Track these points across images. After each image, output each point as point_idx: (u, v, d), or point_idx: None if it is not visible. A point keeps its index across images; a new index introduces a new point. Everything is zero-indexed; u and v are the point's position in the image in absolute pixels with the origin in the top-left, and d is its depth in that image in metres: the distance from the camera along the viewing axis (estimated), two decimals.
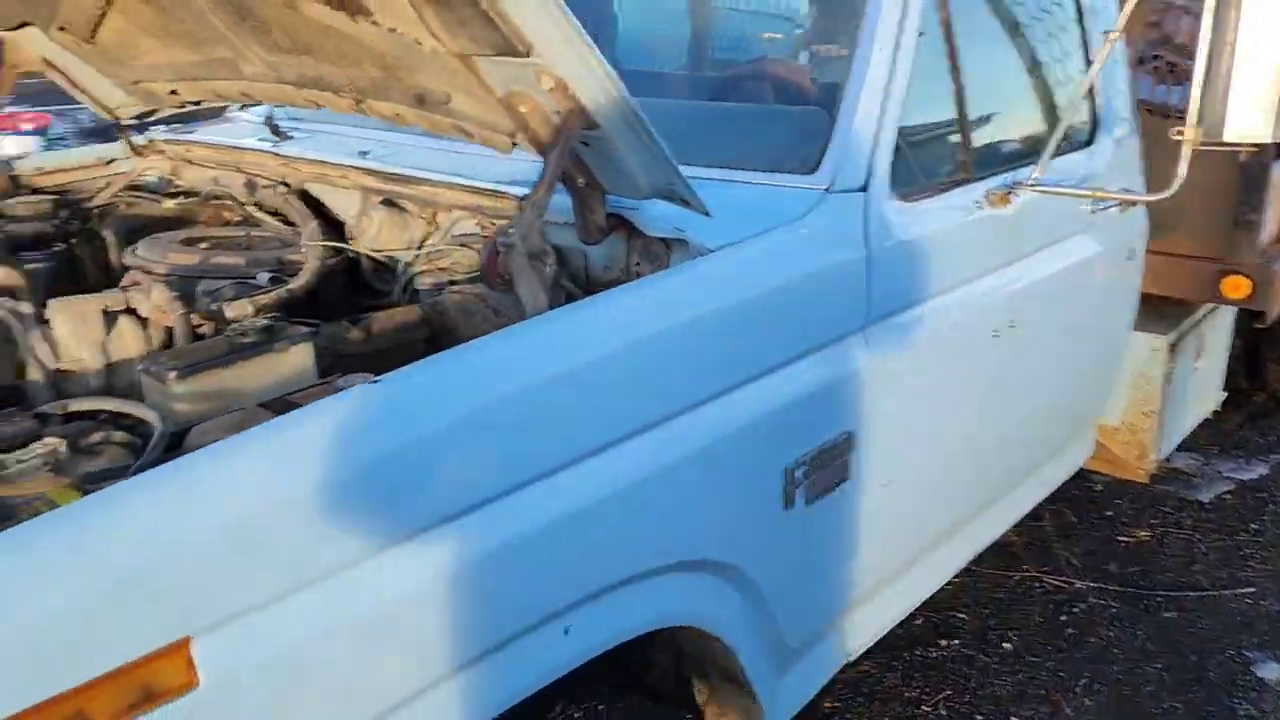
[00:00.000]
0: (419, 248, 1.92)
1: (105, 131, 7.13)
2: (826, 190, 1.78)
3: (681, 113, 2.31)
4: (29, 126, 6.16)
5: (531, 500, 1.26)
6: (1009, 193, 2.10)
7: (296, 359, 1.41)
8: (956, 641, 2.85)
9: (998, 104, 2.25)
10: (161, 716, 0.96)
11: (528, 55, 1.33)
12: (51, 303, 1.58)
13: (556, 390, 1.28)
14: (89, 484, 1.11)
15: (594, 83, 1.36)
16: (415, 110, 1.74)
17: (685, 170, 1.70)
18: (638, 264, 1.69)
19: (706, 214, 1.53)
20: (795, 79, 2.27)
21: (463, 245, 1.85)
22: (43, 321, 1.57)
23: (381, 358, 1.59)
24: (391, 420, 1.14)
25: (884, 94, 1.86)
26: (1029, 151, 2.25)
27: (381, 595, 1.11)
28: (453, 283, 1.85)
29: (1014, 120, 2.33)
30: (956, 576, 2.54)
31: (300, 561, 1.06)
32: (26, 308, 1.59)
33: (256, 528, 1.03)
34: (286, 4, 1.61)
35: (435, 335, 1.69)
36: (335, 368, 1.52)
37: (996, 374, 2.19)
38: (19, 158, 2.56)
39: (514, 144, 1.63)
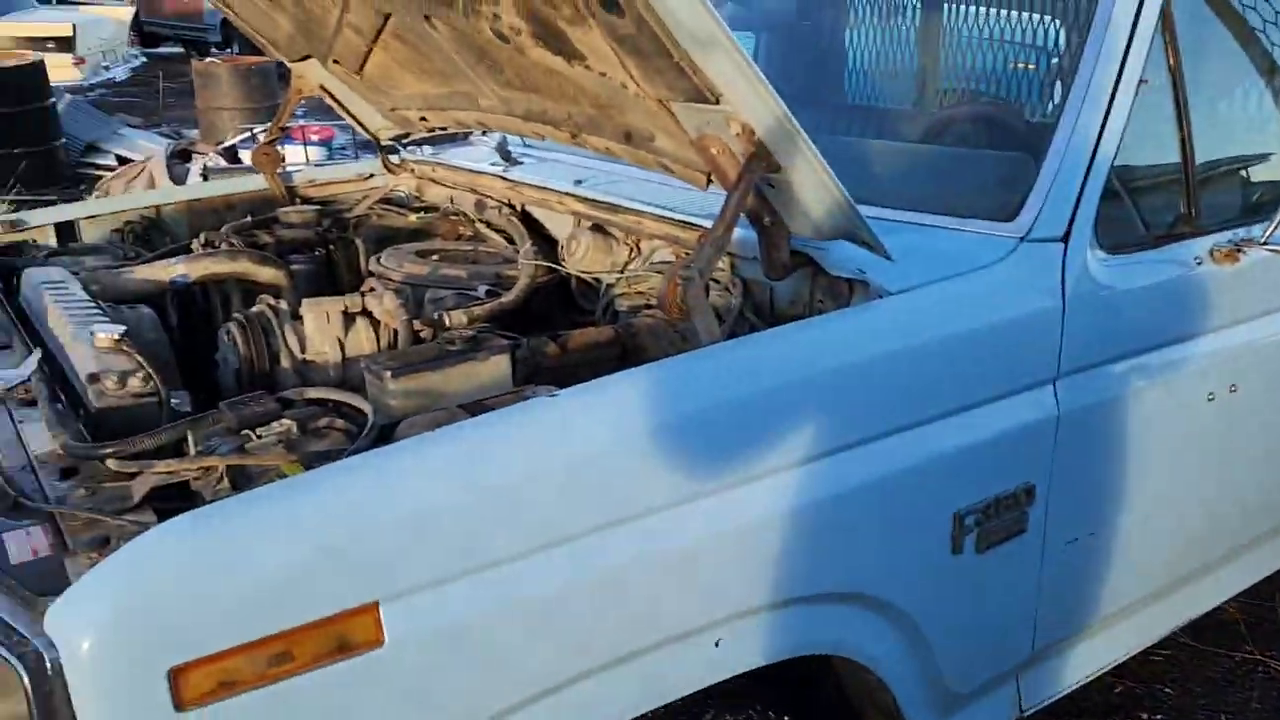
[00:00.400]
0: (621, 271, 2.06)
1: (371, 144, 7.75)
2: (1023, 239, 1.77)
3: (888, 153, 2.33)
4: (316, 137, 6.89)
5: (695, 515, 1.35)
6: (1237, 250, 1.99)
7: (495, 368, 1.57)
8: (1159, 716, 2.68)
9: (1228, 154, 2.13)
10: (351, 666, 1.13)
11: (717, 102, 1.43)
12: (305, 302, 1.83)
13: (734, 413, 1.36)
14: (313, 462, 1.30)
15: (777, 129, 1.44)
16: (623, 146, 1.88)
17: (880, 212, 1.74)
18: (820, 301, 1.74)
19: (888, 258, 1.57)
20: (1007, 120, 2.24)
21: (659, 272, 1.97)
22: (296, 318, 1.82)
23: (574, 372, 1.73)
24: (566, 431, 1.27)
25: (1094, 142, 1.82)
26: (1262, 206, 2.11)
27: (545, 585, 1.24)
28: (648, 306, 1.98)
29: (1246, 173, 2.19)
30: (1166, 649, 2.40)
31: (473, 548, 1.20)
32: (285, 304, 1.85)
33: (441, 514, 1.18)
34: (516, 49, 1.79)
35: (626, 355, 1.82)
36: (534, 378, 1.67)
37: (1209, 438, 2.07)
38: (298, 169, 2.94)
39: (710, 182, 1.73)
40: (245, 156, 6.75)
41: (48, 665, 1.03)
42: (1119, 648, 2.16)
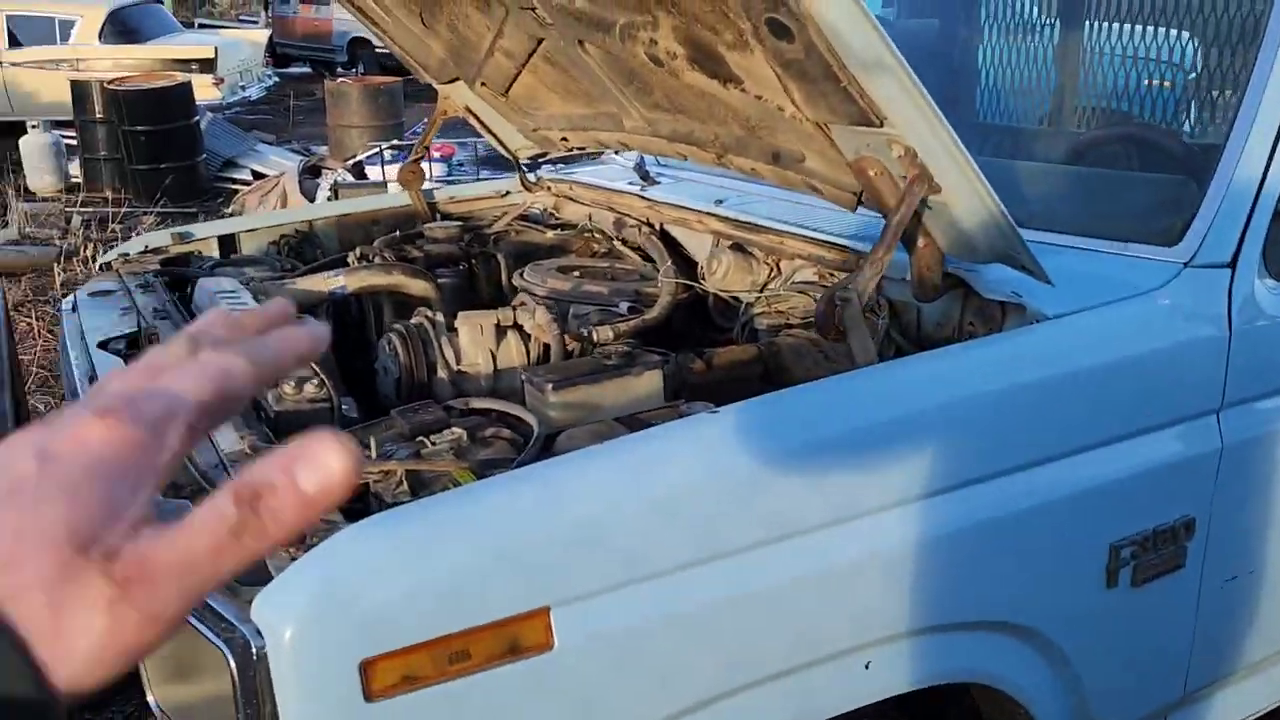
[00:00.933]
0: (760, 291, 2.08)
1: (494, 161, 8.00)
2: (1186, 264, 1.72)
3: (1036, 174, 2.30)
4: (437, 154, 7.11)
5: (850, 535, 1.36)
6: None
7: (648, 383, 1.61)
8: None
9: None
10: (523, 668, 1.17)
11: (881, 126, 1.44)
12: (460, 315, 1.90)
13: (889, 435, 1.37)
14: (483, 469, 1.35)
15: (941, 151, 1.44)
16: (770, 166, 1.91)
17: (1035, 235, 1.72)
18: (970, 324, 1.73)
19: (1049, 283, 1.56)
20: (1164, 142, 2.19)
21: (801, 292, 1.98)
22: (451, 330, 1.90)
23: (719, 389, 1.76)
24: (726, 448, 1.30)
25: (1265, 164, 1.76)
26: None
27: (706, 598, 1.26)
28: (788, 325, 1.99)
29: None
30: None
31: (639, 557, 1.23)
32: (440, 317, 1.92)
33: (608, 523, 1.22)
34: (670, 72, 1.83)
35: (769, 373, 1.84)
36: (680, 394, 1.70)
37: None
38: (437, 186, 3.05)
39: (859, 202, 1.74)
40: (372, 172, 7.02)
41: (253, 651, 1.10)
42: (1276, 693, 2.07)
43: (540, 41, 2.20)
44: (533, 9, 2.02)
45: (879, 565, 1.39)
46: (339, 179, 6.78)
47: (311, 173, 7.35)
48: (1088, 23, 2.75)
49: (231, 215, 7.00)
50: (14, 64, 10.65)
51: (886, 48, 1.33)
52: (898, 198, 1.51)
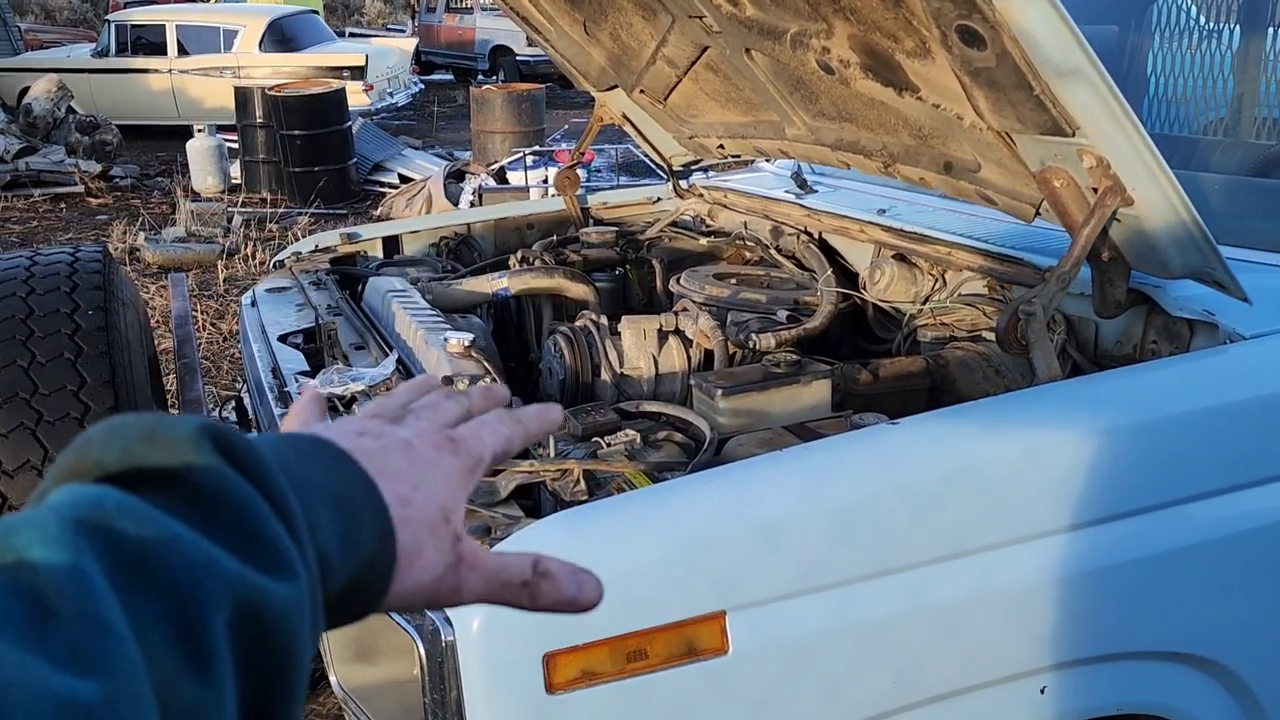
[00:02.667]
0: (924, 302, 2.04)
1: (632, 168, 8.08)
2: None
3: (1222, 186, 2.19)
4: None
5: (1029, 556, 1.32)
6: None
7: (817, 392, 1.60)
8: None
9: None
10: (698, 670, 1.18)
11: (1072, 135, 1.40)
12: (624, 319, 1.93)
13: (1074, 454, 1.33)
14: (655, 472, 1.37)
15: (1136, 162, 1.38)
16: (941, 176, 1.87)
17: (1225, 251, 1.64)
18: (1154, 342, 1.66)
19: (1246, 300, 1.48)
20: None
21: (968, 304, 1.93)
22: (614, 333, 1.93)
23: (883, 400, 1.74)
24: (908, 461, 1.28)
25: None
26: None
27: (881, 612, 1.25)
28: (954, 339, 1.95)
29: None
30: None
31: (816, 567, 1.23)
32: (604, 320, 1.96)
33: (787, 531, 1.22)
34: (841, 80, 1.82)
35: (935, 386, 1.80)
36: (844, 404, 1.69)
37: None
38: (592, 191, 3.10)
39: (1037, 214, 1.69)
40: (514, 177, 7.19)
41: (442, 639, 1.14)
42: None
43: (705, 49, 2.22)
44: (701, 17, 2.04)
45: (1058, 588, 1.35)
46: (482, 184, 6.97)
47: (456, 177, 7.58)
48: (1271, 29, 2.60)
49: (380, 218, 7.28)
50: (182, 71, 11.35)
51: (1085, 54, 1.29)
52: (1085, 210, 1.46)
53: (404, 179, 8.45)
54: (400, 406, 0.58)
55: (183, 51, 11.39)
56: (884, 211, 2.21)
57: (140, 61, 11.40)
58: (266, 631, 0.37)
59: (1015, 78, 1.34)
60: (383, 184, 8.61)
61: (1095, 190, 1.45)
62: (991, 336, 1.87)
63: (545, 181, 6.89)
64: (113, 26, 11.58)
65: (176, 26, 11.39)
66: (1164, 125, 2.74)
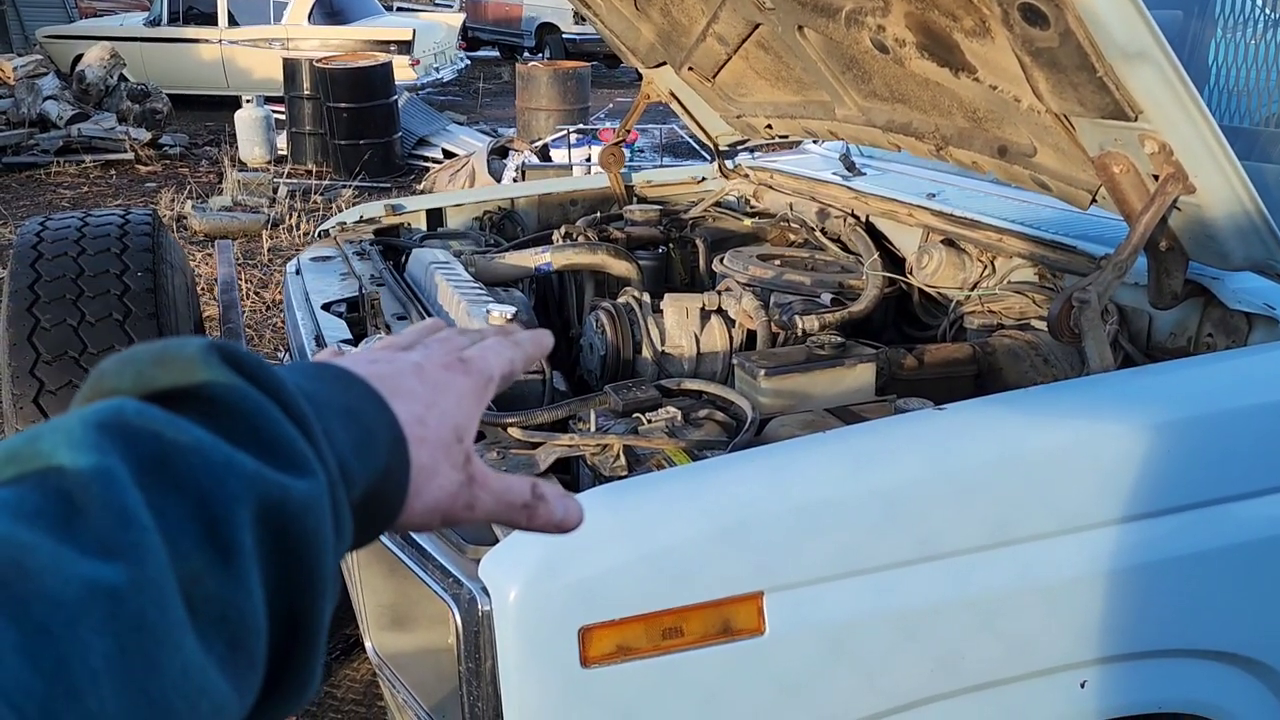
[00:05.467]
0: (972, 288, 2.01)
1: (675, 148, 8.04)
2: None
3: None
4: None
5: (1073, 548, 1.30)
6: None
7: (860, 375, 1.58)
8: None
9: None
10: (733, 650, 1.17)
11: (1135, 120, 1.36)
12: (667, 297, 1.92)
13: (1118, 448, 1.30)
14: (695, 450, 1.36)
15: (1201, 149, 1.35)
16: (994, 160, 1.83)
17: None
18: (1209, 335, 1.62)
19: None
20: None
21: (1018, 292, 1.90)
22: (657, 311, 1.92)
23: (928, 386, 1.71)
24: (954, 447, 1.26)
25: None
26: None
27: (921, 599, 1.23)
28: (1001, 326, 1.91)
29: None
30: None
31: (856, 551, 1.21)
32: (646, 297, 1.95)
33: (828, 513, 1.20)
34: (895, 60, 1.78)
35: (981, 374, 1.77)
36: (888, 388, 1.66)
37: None
38: (636, 169, 3.09)
39: (1093, 201, 1.65)
40: (557, 155, 7.18)
41: (479, 609, 1.14)
42: None
43: (756, 26, 2.19)
44: None
45: (1102, 581, 1.32)
46: (525, 161, 6.98)
47: (499, 154, 7.58)
48: None
49: (423, 192, 7.31)
50: (232, 42, 11.44)
51: (1152, 36, 1.25)
52: (1145, 197, 1.42)
53: (448, 154, 8.47)
54: (410, 342, 0.59)
55: (233, 22, 11.48)
56: (934, 196, 2.18)
57: (191, 31, 11.51)
58: (288, 526, 0.38)
59: (1078, 59, 1.31)
60: (426, 159, 8.64)
61: (1156, 177, 1.42)
62: (1041, 325, 1.83)
63: (588, 160, 6.87)
64: None
65: None
66: (1225, 116, 2.67)
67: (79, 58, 10.11)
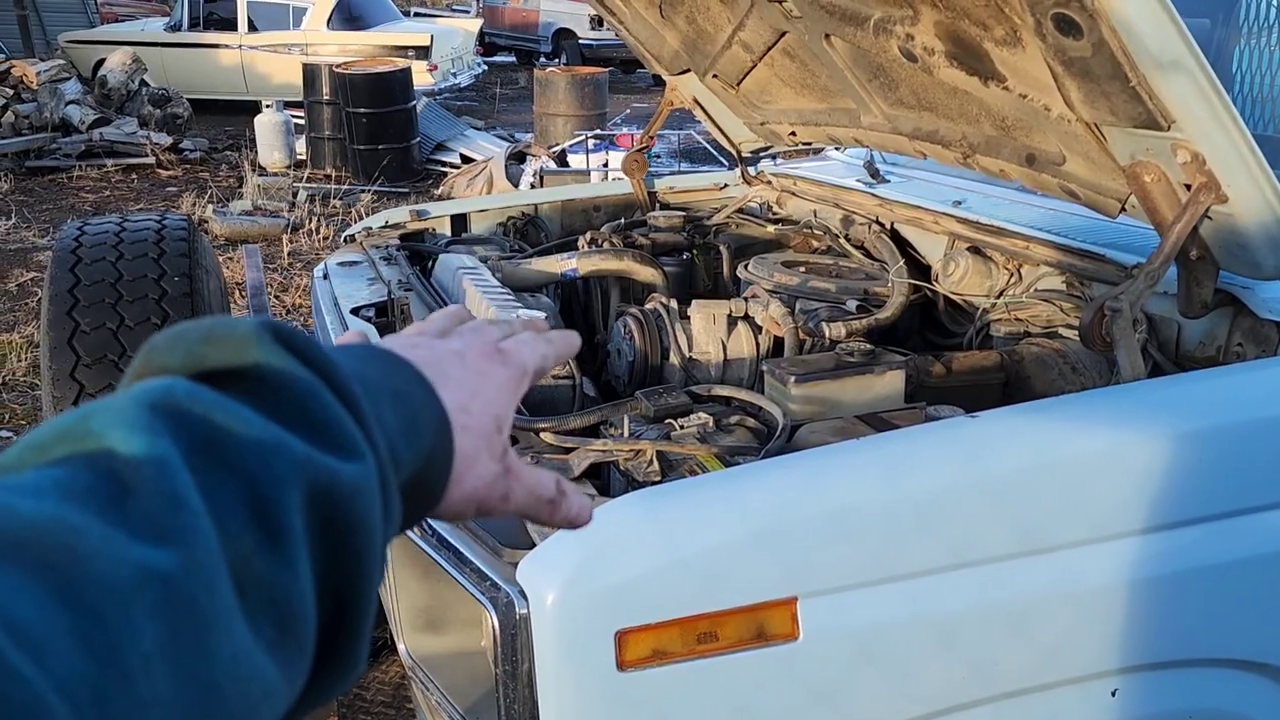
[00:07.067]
0: (998, 296, 2.01)
1: (692, 154, 8.05)
2: None
3: None
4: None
5: (1107, 556, 1.30)
6: None
7: (890, 382, 1.58)
8: None
9: None
10: (767, 655, 1.18)
11: (1167, 129, 1.36)
12: (694, 303, 1.93)
13: (1158, 454, 1.30)
14: (727, 456, 1.37)
15: (1234, 159, 1.35)
16: (1022, 168, 1.84)
17: None
18: (1239, 345, 1.62)
19: None
20: None
21: (1045, 300, 1.90)
22: (684, 317, 1.93)
23: (956, 394, 1.71)
24: (987, 454, 1.26)
25: None
26: None
27: (955, 605, 1.24)
28: (1028, 334, 1.92)
29: None
30: None
31: (890, 557, 1.22)
32: (674, 303, 1.96)
33: (863, 520, 1.21)
34: (924, 68, 1.79)
35: (1009, 382, 1.77)
36: (916, 396, 1.67)
37: None
38: (659, 175, 3.10)
39: (1123, 210, 1.65)
40: (575, 160, 7.20)
41: (515, 612, 1.15)
42: None
43: (782, 34, 2.20)
44: (781, 1, 2.02)
45: (1134, 590, 1.32)
46: (543, 166, 7.00)
47: (517, 159, 7.62)
48: None
49: (441, 197, 7.34)
50: (252, 47, 11.53)
51: (1186, 46, 1.25)
52: (1177, 207, 1.43)
53: (465, 159, 8.51)
54: (442, 329, 0.59)
55: (253, 27, 11.57)
56: (960, 203, 2.18)
57: (211, 36, 11.60)
58: (337, 509, 0.38)
59: (1111, 68, 1.31)
60: (445, 164, 8.68)
61: (1188, 186, 1.42)
62: (1068, 333, 1.83)
63: (606, 165, 6.89)
64: (186, 1, 11.79)
65: (247, 3, 11.56)
66: (1250, 123, 2.67)
67: (101, 62, 10.22)
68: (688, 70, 2.71)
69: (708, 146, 7.80)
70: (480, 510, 0.53)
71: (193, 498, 0.33)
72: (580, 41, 14.91)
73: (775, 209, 2.81)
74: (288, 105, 9.14)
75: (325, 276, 2.49)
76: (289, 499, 0.36)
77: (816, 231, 2.56)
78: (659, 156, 8.42)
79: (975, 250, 2.07)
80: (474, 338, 0.57)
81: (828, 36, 2.01)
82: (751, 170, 2.94)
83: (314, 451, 0.38)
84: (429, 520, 1.35)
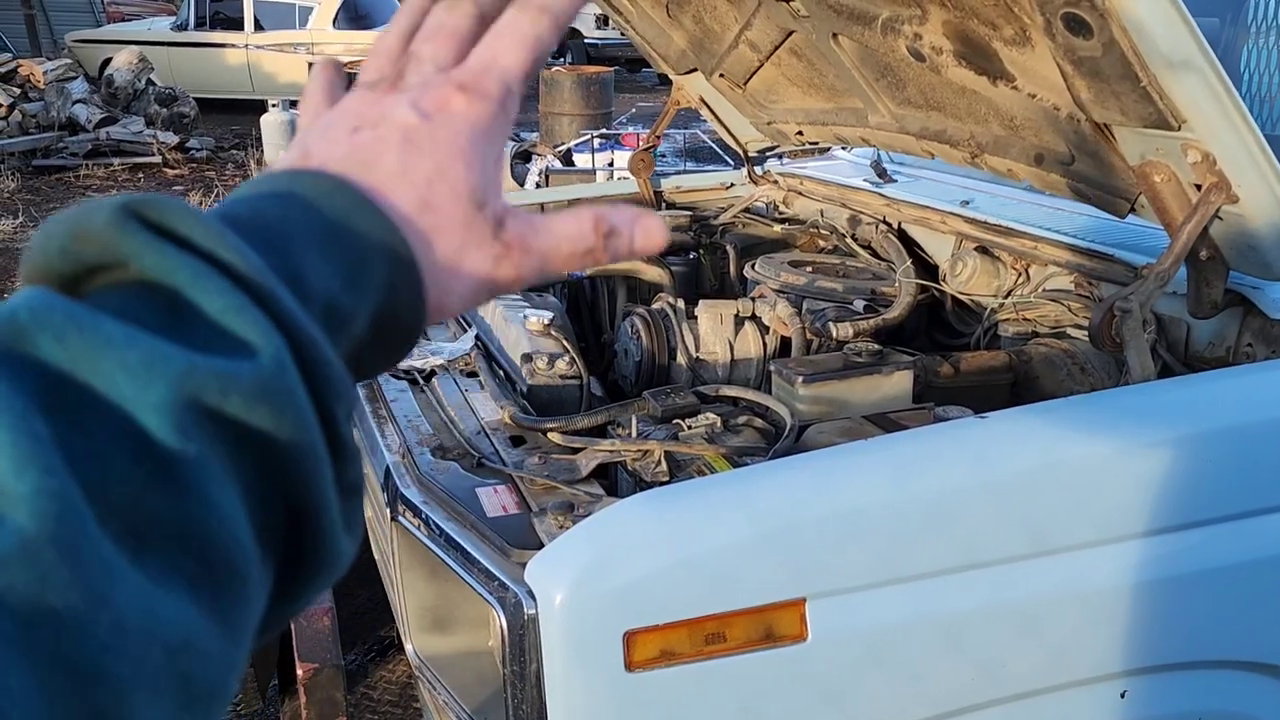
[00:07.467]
0: (1006, 296, 2.00)
1: (697, 154, 8.03)
2: None
3: None
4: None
5: (1116, 557, 1.30)
6: None
7: (898, 383, 1.58)
8: None
9: None
10: (776, 656, 1.18)
11: (1178, 129, 1.36)
12: (701, 303, 1.93)
13: (1169, 455, 1.30)
14: (735, 457, 1.37)
15: (1245, 159, 1.34)
16: (1030, 168, 1.83)
17: None
18: (1249, 345, 1.61)
19: None
20: None
21: (1053, 300, 1.90)
22: (691, 317, 1.92)
23: (964, 394, 1.71)
24: (997, 455, 1.26)
25: None
26: None
27: (964, 607, 1.23)
28: (1036, 334, 1.91)
29: None
30: None
31: (899, 558, 1.21)
32: (681, 303, 1.95)
33: (871, 520, 1.21)
34: (932, 68, 1.79)
35: (1018, 382, 1.77)
36: (924, 396, 1.66)
37: None
38: (665, 175, 3.10)
39: (1132, 210, 1.65)
40: (580, 160, 7.20)
41: (524, 612, 1.15)
42: None
43: (790, 34, 2.20)
44: (789, 1, 2.02)
45: (1144, 591, 1.32)
46: (549, 165, 7.00)
47: (522, 158, 7.61)
48: None
49: None
50: (258, 46, 11.55)
51: (1197, 45, 1.25)
52: (1187, 207, 1.42)
53: None
54: (398, 49, 0.47)
55: (259, 27, 11.58)
56: (967, 203, 2.18)
57: (218, 36, 11.62)
58: (246, 414, 0.32)
59: (1121, 68, 1.31)
60: None
61: (1198, 187, 1.41)
62: (1077, 333, 1.83)
63: (611, 165, 6.89)
64: (192, 1, 11.81)
65: (254, 2, 11.58)
66: (1257, 124, 2.66)
67: (107, 61, 10.24)
68: (694, 69, 2.71)
69: (713, 146, 7.79)
70: (493, 295, 0.45)
71: (41, 453, 0.28)
72: (585, 40, 14.90)
73: (782, 208, 2.81)
74: (294, 104, 9.14)
75: None
76: (176, 422, 0.31)
77: (823, 231, 2.56)
78: (664, 156, 8.41)
79: (983, 250, 2.07)
80: (431, 66, 0.45)
81: (835, 36, 2.01)
82: (758, 170, 2.93)
83: (198, 358, 0.32)
84: (436, 520, 1.35)
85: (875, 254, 2.38)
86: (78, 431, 0.30)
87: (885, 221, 2.33)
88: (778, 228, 2.64)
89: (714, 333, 1.89)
